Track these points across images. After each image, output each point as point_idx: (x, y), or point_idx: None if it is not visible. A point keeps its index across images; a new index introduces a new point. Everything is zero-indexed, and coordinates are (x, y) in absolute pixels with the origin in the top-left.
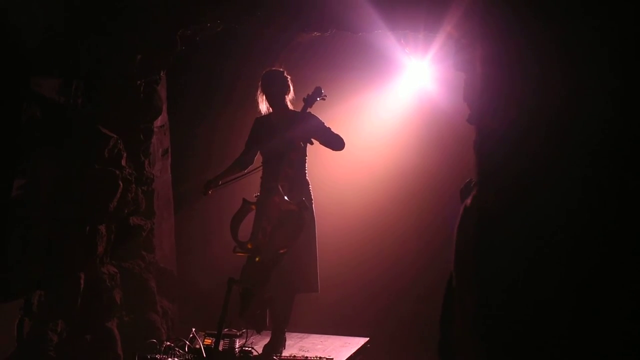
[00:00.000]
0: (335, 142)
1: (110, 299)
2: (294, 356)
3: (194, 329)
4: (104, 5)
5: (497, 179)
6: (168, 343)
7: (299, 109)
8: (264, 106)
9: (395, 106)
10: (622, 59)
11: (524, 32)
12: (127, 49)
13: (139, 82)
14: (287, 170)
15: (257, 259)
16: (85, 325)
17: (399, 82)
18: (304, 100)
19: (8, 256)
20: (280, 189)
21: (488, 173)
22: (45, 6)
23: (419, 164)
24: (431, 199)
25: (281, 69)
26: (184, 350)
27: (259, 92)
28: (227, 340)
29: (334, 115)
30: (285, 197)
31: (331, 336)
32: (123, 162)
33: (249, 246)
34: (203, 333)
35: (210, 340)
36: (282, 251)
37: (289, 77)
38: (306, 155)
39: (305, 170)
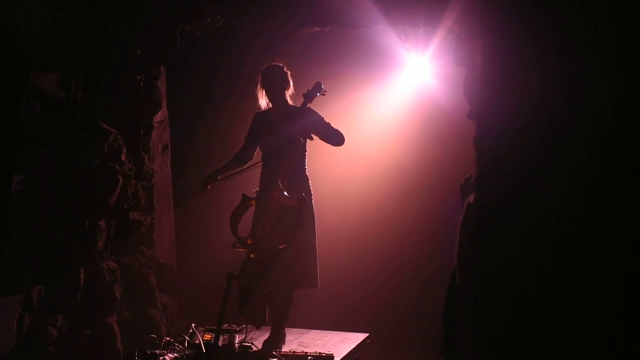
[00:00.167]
0: (335, 138)
1: (110, 294)
2: (294, 352)
3: (193, 325)
4: (104, 0)
5: (496, 175)
6: (168, 338)
7: (298, 104)
8: (263, 101)
9: (395, 102)
10: (622, 55)
11: (524, 28)
12: (127, 44)
13: (138, 77)
14: (287, 165)
15: (251, 255)
16: (85, 321)
17: (399, 78)
18: (304, 95)
19: (7, 251)
20: (280, 184)
21: (488, 169)
22: (45, 0)
23: (418, 159)
24: (431, 195)
25: (281, 64)
26: (183, 345)
27: (258, 87)
28: (226, 336)
29: (333, 111)
30: (285, 193)
31: (331, 332)
32: (123, 157)
33: (249, 242)
34: (203, 328)
35: (209, 336)
36: (281, 247)
37: (288, 72)
38: (306, 151)
39: (305, 165)
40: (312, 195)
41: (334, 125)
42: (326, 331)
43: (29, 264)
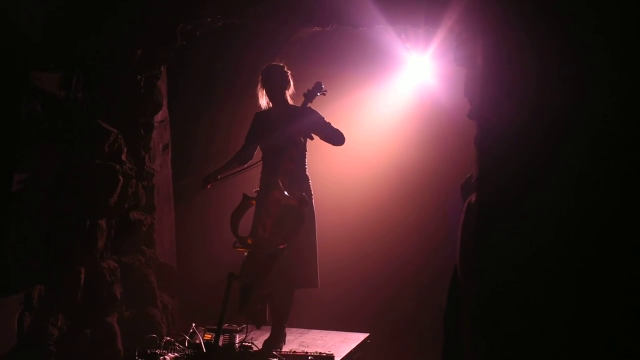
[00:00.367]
0: (335, 137)
1: (110, 294)
2: (294, 351)
3: (194, 324)
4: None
5: (497, 175)
6: (168, 338)
7: (299, 104)
8: (264, 101)
9: (395, 101)
10: (623, 55)
11: (524, 28)
12: (128, 44)
13: (139, 76)
14: (287, 165)
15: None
16: (85, 320)
17: (399, 77)
18: (304, 95)
19: (8, 251)
20: (281, 184)
21: (488, 168)
22: (45, 0)
23: (419, 159)
24: (432, 194)
25: (281, 64)
26: (184, 345)
27: (259, 87)
28: (227, 336)
29: (334, 110)
30: (286, 192)
31: (331, 332)
32: (123, 157)
33: (249, 241)
34: (203, 328)
35: (210, 336)
36: (282, 246)
37: (289, 71)
38: (306, 151)
39: (305, 165)
40: (312, 195)
41: (335, 125)
42: (326, 331)
43: (30, 263)
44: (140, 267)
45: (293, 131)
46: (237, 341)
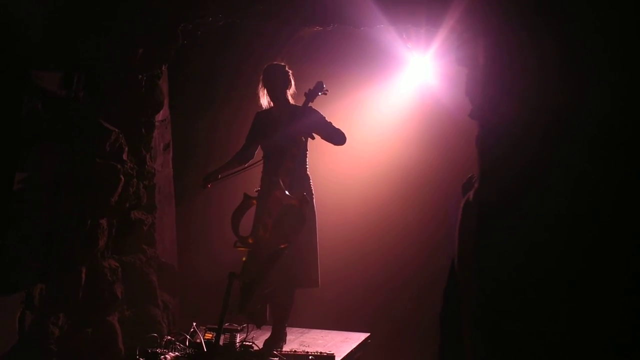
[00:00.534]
0: (336, 137)
1: (111, 293)
2: (295, 351)
3: (194, 324)
4: None
5: (498, 174)
6: (169, 337)
7: (300, 104)
8: (265, 100)
9: (397, 101)
10: (622, 55)
11: (525, 28)
12: (129, 43)
13: (140, 76)
14: (288, 164)
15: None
16: (86, 319)
17: (400, 77)
18: (306, 94)
19: (9, 250)
20: (281, 183)
21: (489, 168)
22: None
23: (420, 159)
24: (433, 194)
25: (282, 63)
26: (184, 344)
27: (260, 86)
28: (227, 335)
29: (335, 110)
30: (286, 192)
31: (332, 331)
32: (124, 156)
33: (250, 241)
34: (204, 327)
35: (210, 335)
36: (283, 246)
37: (290, 71)
38: (307, 150)
39: (306, 165)
40: (313, 194)
41: (336, 124)
42: (327, 331)
43: (31, 262)
44: (141, 266)
45: (294, 131)
46: (237, 341)
